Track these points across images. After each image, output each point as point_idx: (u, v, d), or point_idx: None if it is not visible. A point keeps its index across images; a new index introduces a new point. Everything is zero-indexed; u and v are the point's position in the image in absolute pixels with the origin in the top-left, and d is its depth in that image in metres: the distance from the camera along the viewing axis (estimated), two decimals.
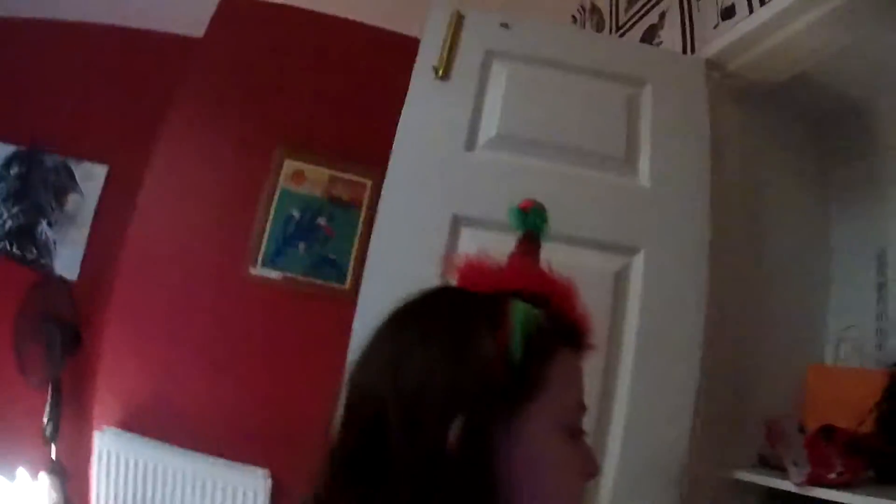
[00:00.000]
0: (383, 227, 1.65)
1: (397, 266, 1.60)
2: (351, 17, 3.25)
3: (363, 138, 2.95)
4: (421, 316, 0.88)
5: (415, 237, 1.62)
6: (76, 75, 3.44)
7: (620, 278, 1.68)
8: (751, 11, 1.86)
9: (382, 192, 1.68)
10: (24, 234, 3.38)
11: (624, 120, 1.83)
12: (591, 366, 1.42)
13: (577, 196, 1.73)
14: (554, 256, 1.62)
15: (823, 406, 1.78)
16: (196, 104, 3.07)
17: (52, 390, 2.87)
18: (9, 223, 3.40)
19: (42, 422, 2.83)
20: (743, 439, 1.78)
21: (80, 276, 3.26)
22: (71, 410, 2.92)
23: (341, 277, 2.83)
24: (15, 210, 3.40)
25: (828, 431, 1.45)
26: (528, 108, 1.78)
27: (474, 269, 0.96)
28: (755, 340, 1.94)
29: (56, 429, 2.84)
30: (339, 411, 0.85)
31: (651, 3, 2.42)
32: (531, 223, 1.08)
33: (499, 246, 1.60)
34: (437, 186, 1.67)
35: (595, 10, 2.87)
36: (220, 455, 2.77)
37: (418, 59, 1.79)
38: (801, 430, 1.68)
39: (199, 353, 2.81)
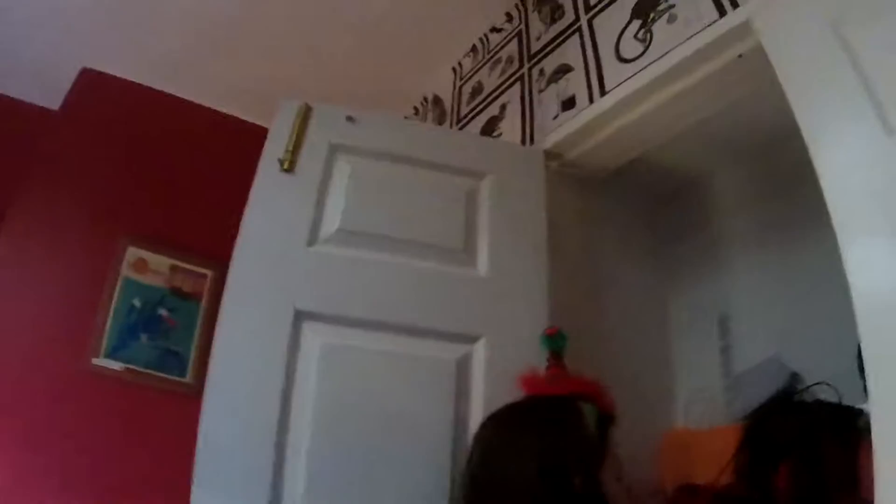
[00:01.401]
0: (227, 321, 1.63)
1: (242, 360, 1.59)
2: (207, 103, 3.24)
3: (207, 228, 2.88)
4: (537, 419, 1.32)
5: (258, 331, 1.61)
6: None
7: (462, 366, 1.71)
8: (591, 102, 1.99)
9: (226, 285, 1.67)
10: None
11: (463, 212, 1.90)
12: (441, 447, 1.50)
13: (418, 287, 1.77)
14: (398, 348, 1.69)
15: (681, 468, 1.86)
16: (46, 182, 2.91)
17: None
18: None
19: None
20: None
21: None
22: None
23: (183, 370, 2.74)
24: None
25: (689, 489, 1.55)
26: (370, 202, 1.82)
27: (539, 382, 1.43)
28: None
29: None
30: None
31: (492, 96, 2.53)
32: (556, 344, 1.52)
33: (339, 340, 1.65)
34: (280, 280, 1.67)
35: (437, 101, 2.98)
36: None
37: (265, 150, 1.82)
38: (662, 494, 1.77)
39: (37, 448, 2.62)
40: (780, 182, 2.22)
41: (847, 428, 1.23)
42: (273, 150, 1.81)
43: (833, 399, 1.33)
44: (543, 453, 1.23)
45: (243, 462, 1.50)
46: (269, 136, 1.85)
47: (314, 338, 1.64)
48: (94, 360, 2.62)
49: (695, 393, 2.33)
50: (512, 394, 1.42)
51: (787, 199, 2.17)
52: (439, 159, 1.95)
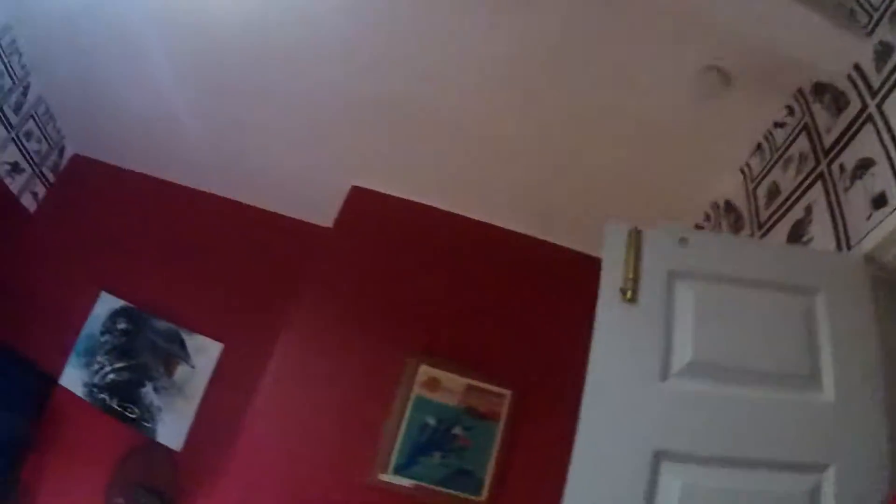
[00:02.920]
0: (581, 460, 1.58)
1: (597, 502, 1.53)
2: (485, 219, 3.29)
3: (502, 349, 2.93)
4: None
5: (614, 471, 1.55)
6: (198, 245, 3.49)
7: (814, 496, 1.58)
8: None
9: (580, 422, 1.61)
10: (127, 391, 3.36)
11: (805, 333, 1.77)
12: None
13: (768, 418, 1.66)
14: (750, 484, 1.59)
15: None
16: (325, 297, 3.05)
17: None
18: (111, 376, 3.38)
19: None
20: None
21: (183, 448, 3.20)
22: None
23: (477, 490, 2.74)
24: (118, 365, 3.39)
25: None
26: (716, 330, 1.73)
27: None
28: None
29: None
30: None
31: (794, 197, 2.40)
32: None
33: (698, 481, 1.56)
34: (635, 417, 1.61)
35: (730, 207, 2.85)
36: None
37: (603, 279, 1.77)
38: None
39: None
40: None
41: None
42: (611, 277, 1.76)
43: None
44: None
45: None
46: (604, 261, 1.80)
47: (673, 479, 1.55)
48: (382, 476, 2.66)
49: None
50: None
51: None
52: (774, 277, 1.84)
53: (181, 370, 3.36)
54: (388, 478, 2.67)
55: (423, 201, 3.25)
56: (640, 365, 1.66)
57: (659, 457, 1.57)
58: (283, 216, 3.50)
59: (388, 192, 3.24)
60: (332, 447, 2.78)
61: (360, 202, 3.23)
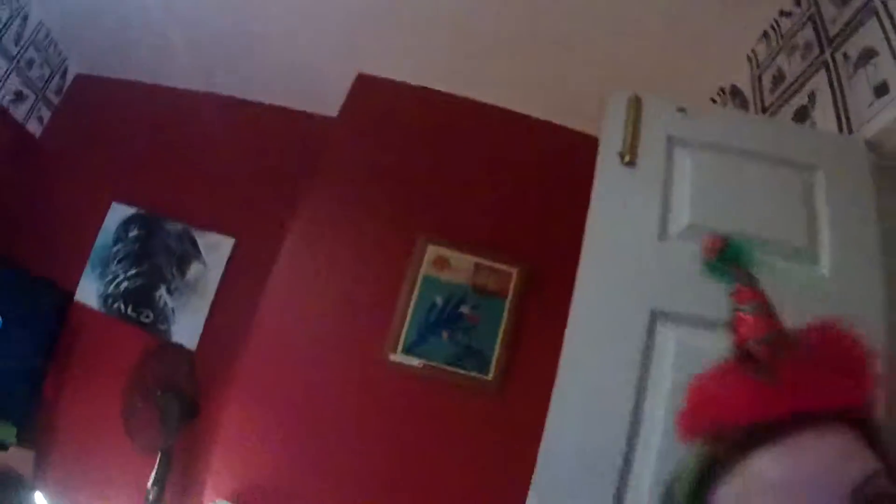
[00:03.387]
0: (579, 320, 1.60)
1: (594, 360, 1.55)
2: (491, 101, 3.27)
3: (510, 227, 2.95)
4: None
5: (612, 330, 1.57)
6: (205, 146, 3.51)
7: None
8: None
9: (577, 281, 1.63)
10: (141, 296, 3.42)
11: (802, 207, 1.78)
12: None
13: (766, 287, 1.67)
14: None
15: None
16: (333, 184, 3.07)
17: (162, 458, 2.84)
18: (125, 284, 3.43)
19: (146, 488, 2.80)
20: None
21: (199, 346, 3.27)
22: (177, 479, 2.90)
23: (485, 368, 2.77)
24: (132, 272, 3.44)
25: None
26: (715, 196, 1.73)
27: (740, 393, 0.76)
28: None
29: (159, 497, 2.81)
30: None
31: (798, 83, 2.38)
32: (728, 262, 0.93)
33: (694, 341, 1.58)
34: (633, 277, 1.62)
35: (736, 92, 2.84)
36: None
37: (602, 143, 1.77)
38: None
39: (323, 437, 2.74)
40: None
41: None
42: (610, 143, 1.76)
43: None
44: None
45: (588, 461, 1.48)
46: (602, 127, 1.80)
47: (669, 338, 1.58)
48: (392, 356, 2.69)
49: None
50: None
51: None
52: (775, 151, 1.83)
53: (194, 269, 3.40)
54: (398, 357, 2.71)
55: (429, 85, 3.22)
56: (639, 226, 1.67)
57: (656, 316, 1.59)
58: (288, 109, 3.49)
59: (393, 78, 3.22)
60: (345, 331, 2.83)
61: (366, 89, 3.21)
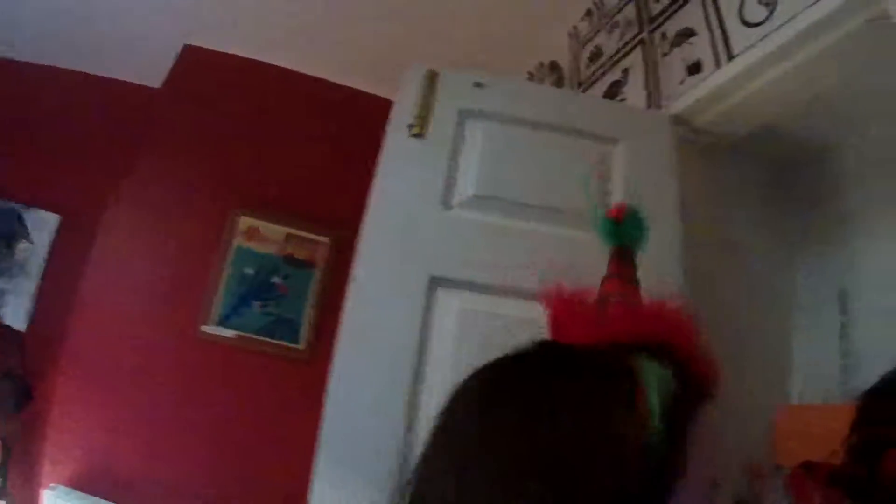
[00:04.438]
0: (359, 286, 1.61)
1: (375, 326, 1.57)
2: (313, 73, 3.25)
3: (321, 197, 2.94)
4: (538, 395, 0.71)
5: (392, 297, 1.59)
6: (27, 119, 3.35)
7: None
8: (718, 66, 1.91)
9: (358, 249, 1.64)
10: None
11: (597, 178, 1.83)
12: None
13: (552, 254, 1.70)
14: (532, 314, 1.63)
15: (794, 444, 1.82)
16: (155, 156, 2.99)
17: (2, 446, 2.73)
18: None
19: None
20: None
21: (28, 327, 3.14)
22: (19, 467, 2.79)
23: (295, 338, 2.77)
24: None
25: (808, 466, 1.48)
26: (504, 167, 1.77)
27: (577, 317, 0.84)
28: (725, 386, 1.97)
29: (4, 485, 2.70)
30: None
31: (614, 60, 2.46)
32: (625, 233, 0.99)
33: (476, 306, 1.61)
34: (414, 245, 1.64)
35: (554, 66, 2.91)
36: None
37: (393, 116, 1.79)
38: (778, 469, 1.70)
39: (149, 412, 2.70)
40: None
41: None
42: (402, 115, 1.77)
43: None
44: (544, 459, 0.65)
45: (372, 429, 1.49)
46: (396, 100, 1.82)
47: (450, 304, 1.61)
48: (204, 328, 2.66)
49: (812, 369, 2.24)
50: None
51: None
52: (570, 124, 1.88)
53: (22, 248, 3.26)
54: (211, 329, 2.68)
55: (256, 58, 3.19)
56: (423, 195, 1.69)
57: (436, 282, 1.61)
58: (115, 80, 3.37)
59: (219, 50, 3.17)
60: (164, 305, 2.78)
61: (191, 61, 3.14)
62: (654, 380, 0.68)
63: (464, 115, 1.80)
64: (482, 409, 0.73)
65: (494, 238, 1.69)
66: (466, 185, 1.72)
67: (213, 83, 3.14)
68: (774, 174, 2.57)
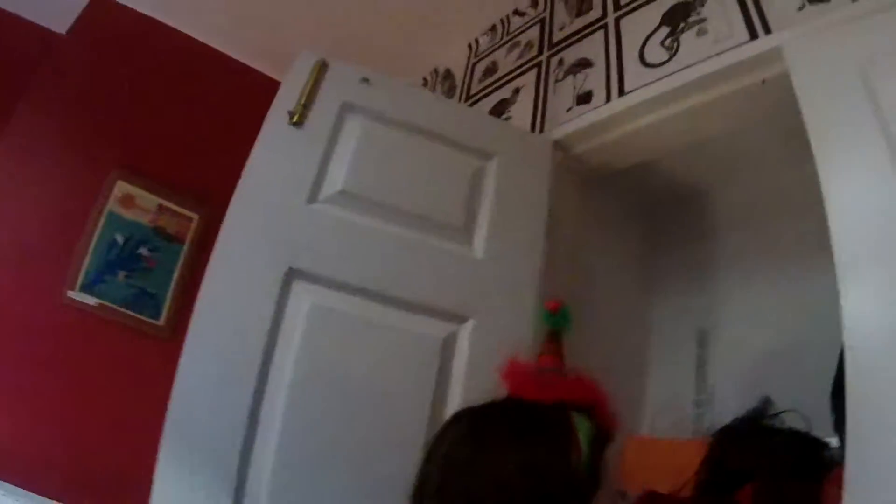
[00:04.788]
0: (217, 270, 1.60)
1: (228, 311, 1.56)
2: (215, 45, 3.18)
3: (199, 171, 2.86)
4: (512, 433, 1.06)
5: (248, 284, 1.59)
6: None
7: (448, 345, 1.71)
8: (608, 100, 1.99)
9: (221, 233, 1.64)
10: None
11: (468, 190, 1.89)
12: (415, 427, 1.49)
13: (413, 260, 1.76)
14: (386, 319, 1.68)
15: (642, 474, 1.85)
16: (41, 105, 2.82)
17: None
18: None
19: None
20: None
21: None
22: None
23: (157, 312, 2.70)
24: None
25: (652, 496, 1.55)
26: (376, 167, 1.80)
27: (526, 380, 1.16)
28: None
29: None
30: None
31: (506, 79, 2.52)
32: (558, 322, 1.28)
33: (329, 303, 1.63)
34: (276, 234, 1.65)
35: (448, 75, 2.95)
36: (17, 485, 2.55)
37: (275, 101, 1.79)
38: (623, 496, 1.78)
39: (12, 380, 2.58)
40: (781, 205, 2.24)
41: (812, 459, 1.24)
42: (284, 101, 1.78)
43: (801, 428, 1.32)
44: (512, 481, 1.00)
45: (217, 413, 1.48)
46: (281, 86, 1.82)
47: (304, 297, 1.62)
48: (69, 293, 2.57)
49: (665, 402, 2.36)
50: (494, 383, 1.36)
51: (786, 223, 2.19)
52: (450, 134, 1.93)
53: None
54: (75, 295, 2.58)
55: (164, 20, 3.08)
56: (292, 186, 1.70)
57: (292, 275, 1.63)
58: (16, 16, 3.19)
59: (128, 6, 3.06)
60: (31, 268, 2.63)
61: (99, 12, 2.99)
62: (584, 429, 1.06)
63: (345, 109, 1.83)
64: (475, 443, 1.06)
65: (355, 237, 1.72)
66: (336, 180, 1.74)
67: (115, 39, 2.99)
68: (648, 210, 2.70)
